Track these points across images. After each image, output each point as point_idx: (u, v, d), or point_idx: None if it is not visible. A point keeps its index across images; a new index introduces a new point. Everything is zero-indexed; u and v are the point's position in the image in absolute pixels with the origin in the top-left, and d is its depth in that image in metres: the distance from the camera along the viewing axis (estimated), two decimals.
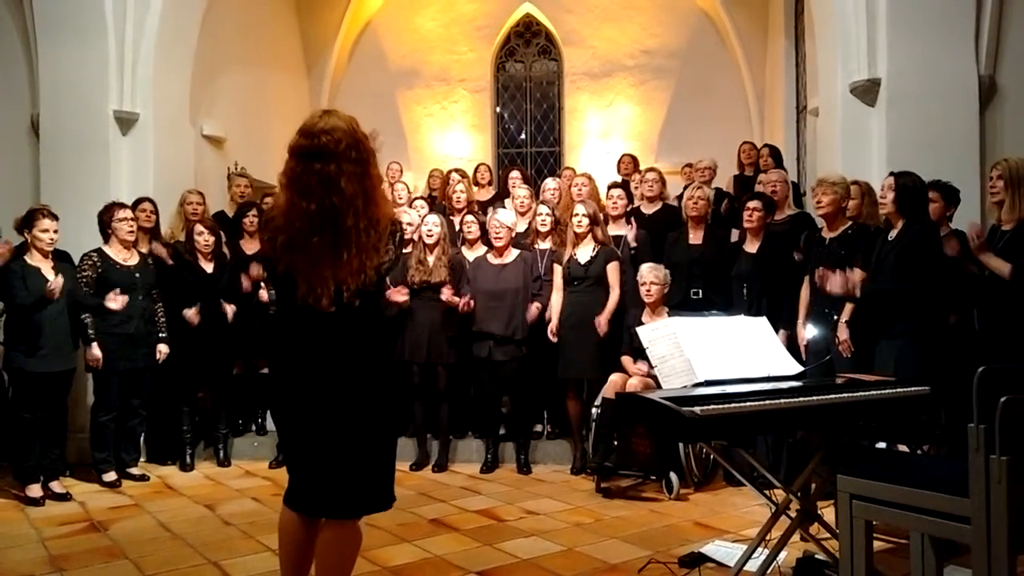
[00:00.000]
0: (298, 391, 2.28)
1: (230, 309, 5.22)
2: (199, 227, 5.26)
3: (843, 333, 4.08)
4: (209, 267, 5.26)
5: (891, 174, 3.97)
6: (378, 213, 2.21)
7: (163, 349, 5.06)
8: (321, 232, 2.17)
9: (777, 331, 4.25)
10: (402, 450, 5.40)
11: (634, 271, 4.95)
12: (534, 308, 5.10)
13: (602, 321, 4.88)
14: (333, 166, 2.17)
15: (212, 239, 5.24)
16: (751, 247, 4.86)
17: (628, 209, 5.61)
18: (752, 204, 4.86)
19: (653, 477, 4.53)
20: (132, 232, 4.91)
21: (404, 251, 5.07)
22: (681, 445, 4.50)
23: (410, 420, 5.45)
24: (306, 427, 2.29)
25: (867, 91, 5.13)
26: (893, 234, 3.91)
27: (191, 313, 5.08)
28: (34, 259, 4.54)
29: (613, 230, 5.33)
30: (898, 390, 2.91)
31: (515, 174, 6.65)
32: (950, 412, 3.35)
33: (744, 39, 8.78)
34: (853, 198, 4.40)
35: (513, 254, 5.22)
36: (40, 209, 4.58)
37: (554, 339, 4.99)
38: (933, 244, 3.81)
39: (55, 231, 4.54)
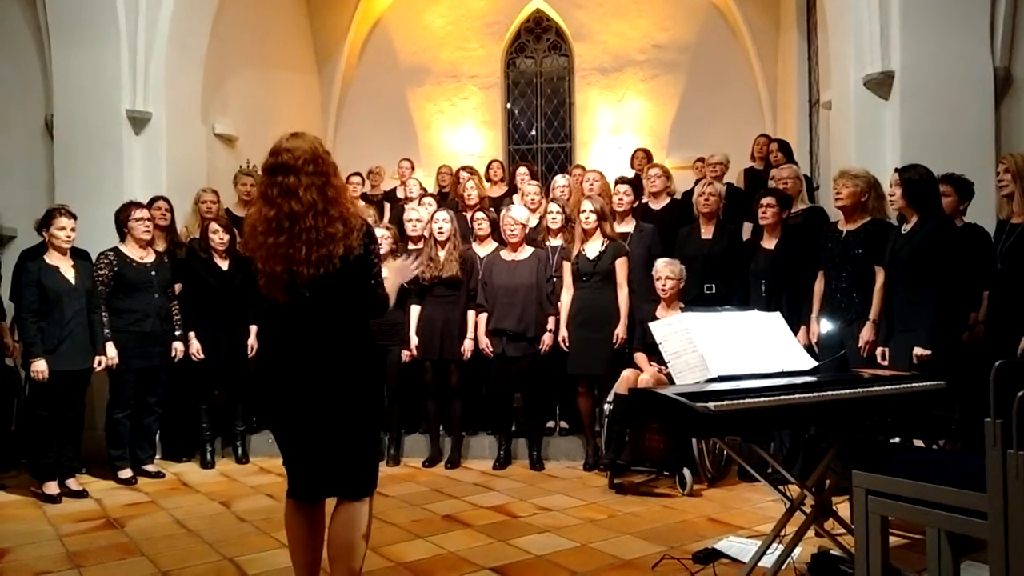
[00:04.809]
0: (272, 378, 2.52)
1: (251, 342, 5.27)
2: (214, 225, 5.30)
3: (868, 334, 4.03)
4: (224, 264, 5.29)
5: (896, 170, 3.93)
6: (335, 211, 2.44)
7: (179, 347, 5.11)
8: (276, 234, 2.41)
9: (798, 328, 4.25)
10: (415, 446, 5.47)
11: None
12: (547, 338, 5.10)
13: (620, 333, 4.88)
14: (292, 178, 2.42)
15: (227, 237, 5.27)
16: (769, 243, 4.82)
17: (635, 205, 5.59)
18: (766, 200, 4.82)
19: (666, 473, 4.52)
20: (148, 231, 4.97)
21: (412, 249, 5.10)
22: (694, 441, 4.48)
23: (422, 416, 5.48)
24: (283, 411, 2.52)
25: (880, 84, 5.09)
26: (907, 228, 3.88)
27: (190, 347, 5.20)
28: (53, 258, 4.58)
29: (620, 227, 5.30)
30: (913, 385, 2.88)
31: (523, 170, 6.63)
32: (965, 407, 3.33)
33: (755, 32, 8.71)
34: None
35: (527, 251, 5.22)
36: (58, 208, 4.63)
37: (564, 344, 4.99)
38: (948, 240, 3.77)
39: (72, 229, 4.58)
